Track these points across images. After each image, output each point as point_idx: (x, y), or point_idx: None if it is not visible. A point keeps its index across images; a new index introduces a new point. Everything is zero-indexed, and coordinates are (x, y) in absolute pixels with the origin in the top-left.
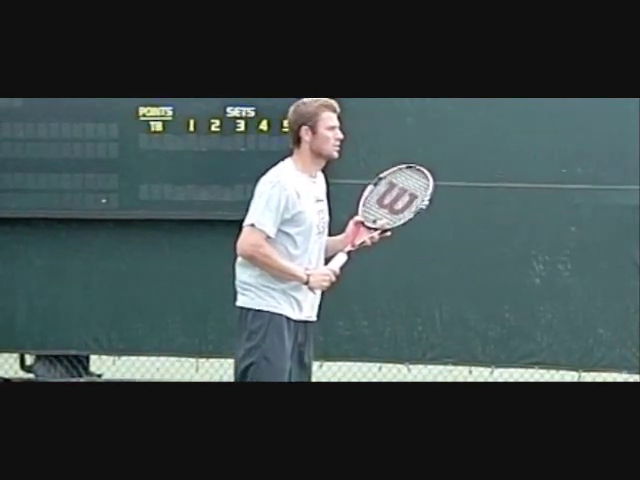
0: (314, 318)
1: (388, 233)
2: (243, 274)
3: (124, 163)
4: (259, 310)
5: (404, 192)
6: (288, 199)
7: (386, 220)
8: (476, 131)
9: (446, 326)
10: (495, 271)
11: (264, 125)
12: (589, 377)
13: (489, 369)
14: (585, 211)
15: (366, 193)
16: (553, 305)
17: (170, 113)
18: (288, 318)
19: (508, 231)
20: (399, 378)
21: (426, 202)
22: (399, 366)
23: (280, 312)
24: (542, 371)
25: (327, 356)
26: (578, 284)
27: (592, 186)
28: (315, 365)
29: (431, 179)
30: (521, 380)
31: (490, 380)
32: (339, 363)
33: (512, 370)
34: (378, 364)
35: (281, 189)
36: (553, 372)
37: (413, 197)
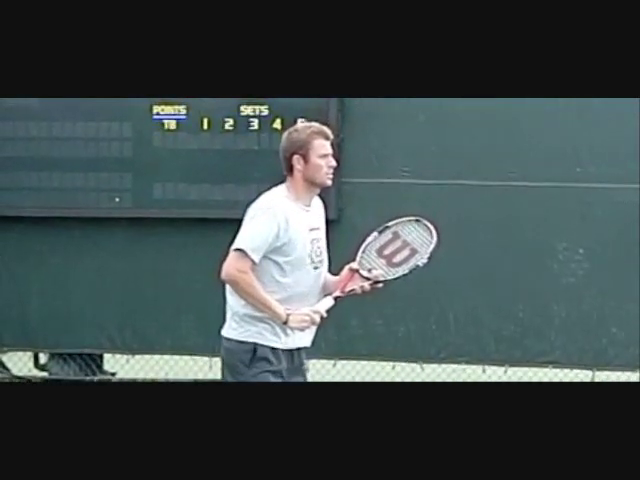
0: (307, 344)
1: (380, 285)
2: (231, 301)
3: (138, 162)
4: (242, 342)
5: (406, 246)
6: (279, 227)
7: (381, 272)
8: (488, 129)
9: (460, 325)
10: (508, 270)
11: (278, 124)
12: (603, 376)
13: (502, 368)
14: (599, 210)
15: (369, 239)
16: (567, 304)
17: (184, 112)
18: (273, 348)
19: (521, 230)
20: (412, 377)
21: (424, 260)
22: (412, 365)
23: (262, 343)
24: (556, 370)
25: (340, 354)
26: (592, 283)
27: (606, 185)
28: (329, 364)
29: (435, 237)
30: (535, 379)
31: (504, 379)
32: (352, 362)
33: (526, 369)
34: (391, 363)
35: (272, 216)
36: (567, 371)
37: (413, 252)
